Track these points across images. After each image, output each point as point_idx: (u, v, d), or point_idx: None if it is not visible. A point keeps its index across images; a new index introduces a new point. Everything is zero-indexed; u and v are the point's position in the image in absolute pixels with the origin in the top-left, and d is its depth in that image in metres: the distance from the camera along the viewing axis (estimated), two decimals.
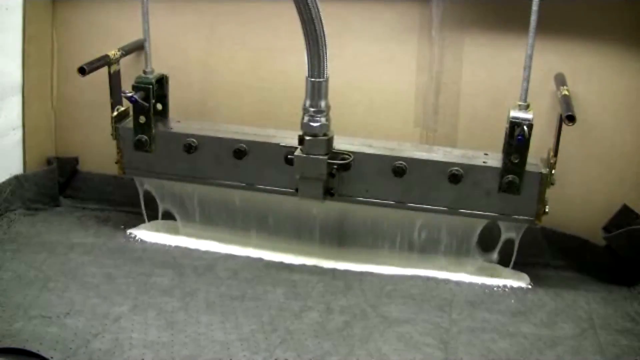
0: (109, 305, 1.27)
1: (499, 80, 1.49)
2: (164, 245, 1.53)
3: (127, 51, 1.53)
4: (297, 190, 1.41)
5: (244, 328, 1.22)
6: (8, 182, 1.60)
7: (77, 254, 1.46)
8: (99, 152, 1.68)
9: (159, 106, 1.51)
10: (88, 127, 1.72)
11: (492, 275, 1.44)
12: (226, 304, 1.30)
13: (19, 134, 1.65)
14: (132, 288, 1.34)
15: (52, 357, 1.09)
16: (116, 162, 1.52)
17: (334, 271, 1.45)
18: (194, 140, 1.47)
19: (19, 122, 1.65)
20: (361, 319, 1.27)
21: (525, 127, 1.28)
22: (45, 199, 1.68)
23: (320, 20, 1.23)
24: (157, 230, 1.58)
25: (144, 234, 1.57)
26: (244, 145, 1.44)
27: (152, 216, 1.61)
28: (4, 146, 1.61)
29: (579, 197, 1.52)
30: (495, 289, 1.41)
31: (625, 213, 1.45)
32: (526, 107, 1.30)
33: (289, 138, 1.41)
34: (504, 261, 1.47)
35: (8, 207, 1.60)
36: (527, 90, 1.29)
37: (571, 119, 1.22)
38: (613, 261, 1.46)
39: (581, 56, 1.45)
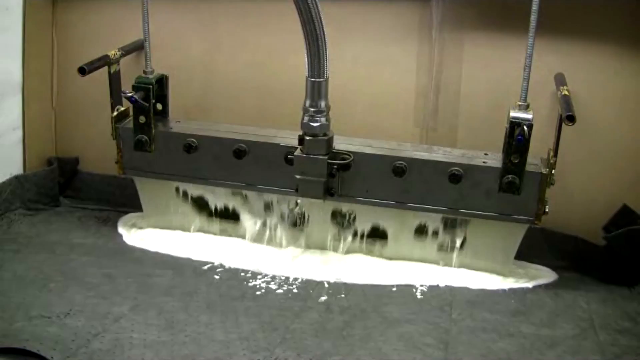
0: (109, 305, 1.27)
1: (499, 80, 1.48)
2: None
3: (127, 51, 1.54)
4: (297, 190, 1.41)
5: (244, 327, 1.22)
6: (8, 182, 1.60)
7: (77, 254, 1.46)
8: (99, 152, 1.68)
9: (159, 106, 1.51)
10: (88, 127, 1.73)
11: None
12: (226, 304, 1.30)
13: (19, 134, 1.65)
14: (132, 288, 1.34)
15: (52, 357, 1.09)
16: (116, 162, 1.52)
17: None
18: (194, 140, 1.47)
19: (19, 122, 1.65)
20: (361, 319, 1.27)
21: (525, 127, 1.28)
22: (46, 199, 1.69)
23: (320, 20, 1.23)
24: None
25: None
26: (244, 145, 1.44)
27: None
28: (4, 146, 1.61)
29: (579, 197, 1.51)
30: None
31: (625, 213, 1.45)
32: (526, 107, 1.30)
33: (289, 138, 1.41)
34: None
35: (8, 207, 1.60)
36: (527, 90, 1.29)
37: (571, 119, 1.22)
38: (613, 261, 1.46)
39: (581, 56, 1.45)
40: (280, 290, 1.36)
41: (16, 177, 1.63)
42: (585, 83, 1.44)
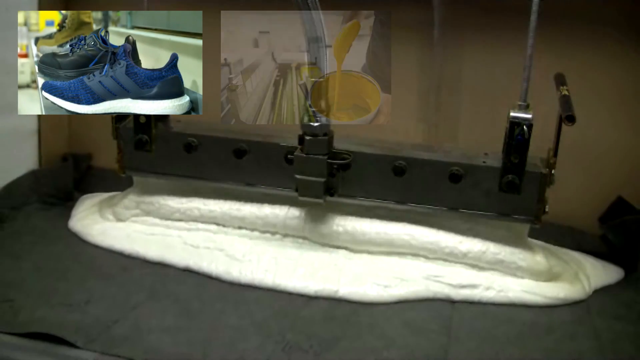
0: (127, 294, 1.31)
1: (499, 80, 1.51)
2: None
3: None
4: (297, 189, 1.43)
5: (256, 314, 1.27)
6: (25, 177, 1.66)
7: (93, 246, 1.50)
8: (111, 148, 1.70)
9: None
10: (101, 124, 1.75)
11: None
12: (238, 292, 1.35)
13: (35, 131, 1.71)
14: (147, 278, 1.38)
15: (76, 341, 1.14)
16: (117, 162, 1.54)
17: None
18: (194, 140, 1.48)
19: (35, 119, 1.70)
20: (367, 307, 1.32)
21: (525, 127, 1.29)
22: (61, 194, 1.72)
23: (321, 20, 1.27)
24: None
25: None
26: (244, 145, 1.46)
27: None
28: (21, 142, 1.67)
29: (576, 193, 1.56)
30: None
31: (620, 205, 1.49)
32: (526, 107, 1.30)
33: (289, 138, 1.43)
34: None
35: (25, 201, 1.65)
36: (527, 90, 1.30)
37: (571, 119, 1.23)
38: (608, 251, 1.50)
39: (581, 56, 1.48)
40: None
41: (32, 172, 1.68)
42: (584, 83, 1.46)
